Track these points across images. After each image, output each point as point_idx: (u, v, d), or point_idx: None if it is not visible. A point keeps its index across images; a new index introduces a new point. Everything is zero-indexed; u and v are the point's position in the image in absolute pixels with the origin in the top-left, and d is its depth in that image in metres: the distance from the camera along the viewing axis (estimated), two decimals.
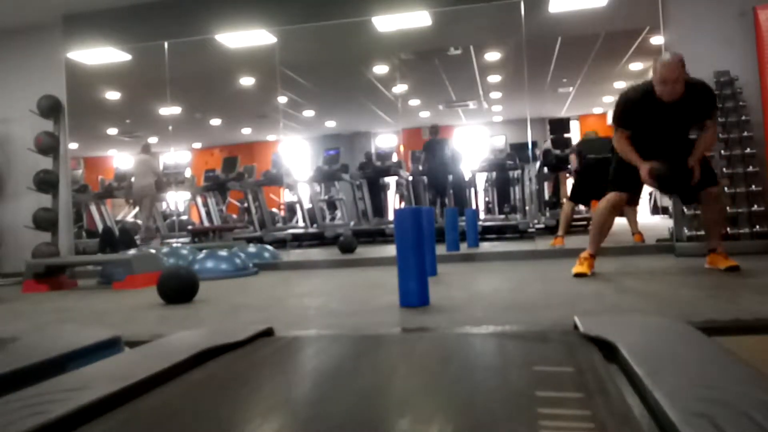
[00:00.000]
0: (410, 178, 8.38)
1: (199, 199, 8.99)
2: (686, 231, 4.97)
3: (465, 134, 10.84)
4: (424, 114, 10.69)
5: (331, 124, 11.13)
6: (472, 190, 9.01)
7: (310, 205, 9.14)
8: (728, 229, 4.87)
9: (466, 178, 8.64)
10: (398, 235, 2.70)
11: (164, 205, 9.36)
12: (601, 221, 3.66)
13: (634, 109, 3.39)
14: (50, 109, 6.49)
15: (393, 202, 8.99)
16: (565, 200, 5.49)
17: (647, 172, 3.31)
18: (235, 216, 9.88)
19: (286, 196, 10.37)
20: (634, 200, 3.98)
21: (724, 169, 4.97)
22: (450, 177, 8.13)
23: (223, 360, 1.31)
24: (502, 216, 8.40)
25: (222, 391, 1.08)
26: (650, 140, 3.41)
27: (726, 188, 4.96)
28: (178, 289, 3.33)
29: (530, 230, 7.14)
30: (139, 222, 8.14)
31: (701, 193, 3.50)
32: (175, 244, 6.88)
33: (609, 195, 3.57)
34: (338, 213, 9.69)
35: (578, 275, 3.58)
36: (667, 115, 3.30)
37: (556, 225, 7.56)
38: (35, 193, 6.39)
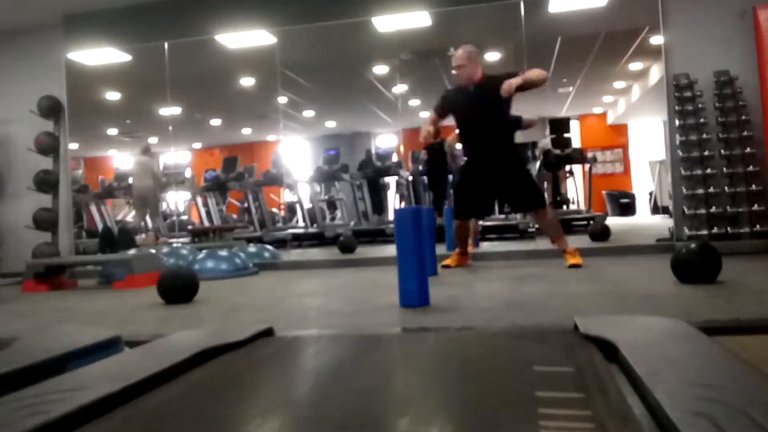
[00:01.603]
0: (410, 178, 8.38)
1: (199, 199, 8.99)
2: (686, 231, 4.97)
3: None
4: (424, 114, 10.67)
5: (331, 124, 11.13)
6: None
7: (310, 205, 9.14)
8: (728, 228, 4.89)
9: None
10: (398, 235, 2.70)
11: (164, 206, 9.36)
12: (457, 234, 4.33)
13: (447, 97, 4.13)
14: (50, 109, 6.49)
15: (393, 202, 8.99)
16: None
17: (425, 130, 4.03)
18: (235, 216, 9.88)
19: (286, 196, 10.37)
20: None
21: (725, 169, 4.98)
22: (450, 177, 8.12)
23: (223, 360, 1.31)
24: (502, 216, 8.39)
25: (222, 391, 1.08)
26: (466, 129, 4.05)
27: (726, 188, 4.97)
28: (179, 288, 3.33)
29: (530, 230, 7.14)
30: (141, 223, 8.13)
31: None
32: (175, 244, 6.89)
33: (455, 221, 4.23)
34: (338, 213, 9.69)
35: (445, 267, 4.22)
36: (473, 99, 3.89)
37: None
38: (35, 193, 6.39)
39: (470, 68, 3.81)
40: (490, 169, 3.97)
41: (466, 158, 4.16)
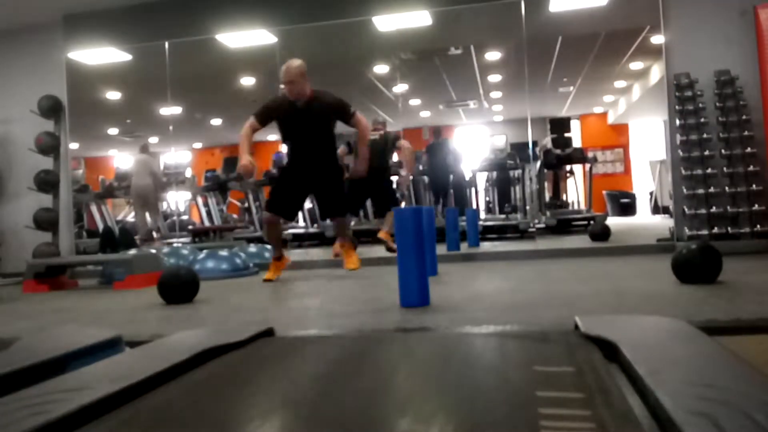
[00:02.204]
0: (411, 177, 8.37)
1: (199, 199, 8.98)
2: (687, 231, 4.97)
3: (465, 134, 10.84)
4: (425, 114, 10.68)
5: None
6: (473, 189, 9.01)
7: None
8: (729, 228, 4.88)
9: (467, 178, 8.63)
10: (398, 235, 2.70)
11: (165, 205, 9.36)
12: (270, 234, 4.35)
13: (271, 107, 4.06)
14: (51, 109, 6.49)
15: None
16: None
17: (243, 167, 3.88)
18: (235, 216, 9.88)
19: None
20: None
21: (725, 169, 4.98)
22: (451, 177, 8.13)
23: (223, 360, 1.31)
24: (503, 216, 8.39)
25: (222, 391, 1.08)
26: (292, 138, 4.09)
27: (726, 188, 4.97)
28: (179, 289, 3.33)
29: (531, 230, 7.14)
30: (139, 222, 8.13)
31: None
32: (175, 244, 6.89)
33: (264, 215, 4.28)
34: None
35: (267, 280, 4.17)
36: (300, 116, 3.95)
37: (557, 225, 7.58)
38: (36, 193, 6.39)
39: (300, 85, 3.87)
40: (309, 177, 4.09)
41: (288, 161, 4.25)
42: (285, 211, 4.24)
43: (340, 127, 4.24)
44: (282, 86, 3.94)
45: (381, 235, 5.64)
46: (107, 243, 6.90)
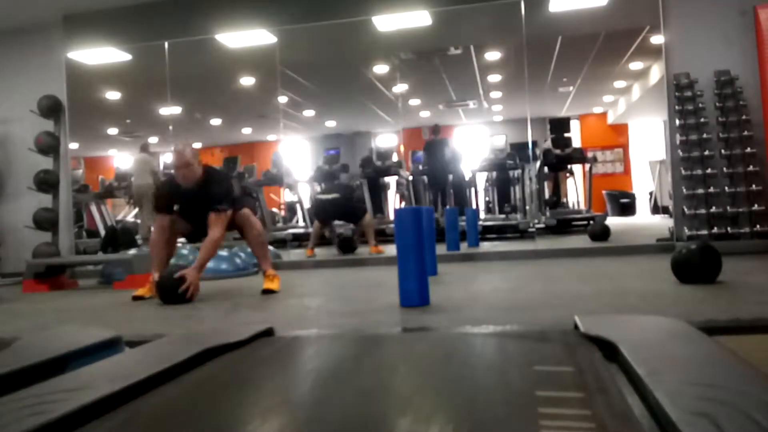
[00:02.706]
0: (410, 177, 8.38)
1: None
2: (686, 231, 4.97)
3: (465, 134, 10.84)
4: (425, 114, 10.68)
5: (331, 123, 11.13)
6: (473, 189, 9.01)
7: (310, 205, 9.14)
8: (728, 228, 4.88)
9: (467, 178, 8.63)
10: (398, 235, 2.70)
11: None
12: (152, 241, 3.77)
13: (168, 192, 3.75)
14: (50, 109, 6.49)
15: (393, 201, 8.98)
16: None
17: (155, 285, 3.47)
18: None
19: (287, 195, 10.37)
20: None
21: (725, 169, 4.98)
22: (450, 177, 8.13)
23: (223, 360, 1.31)
24: (503, 216, 8.38)
25: (222, 391, 1.08)
26: (189, 219, 3.71)
27: (726, 188, 4.97)
28: (174, 290, 3.30)
29: (530, 230, 7.14)
30: (139, 221, 8.13)
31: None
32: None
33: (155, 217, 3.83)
34: None
35: (137, 298, 3.62)
36: (190, 200, 3.63)
37: (557, 224, 7.59)
38: (35, 193, 6.39)
39: (192, 170, 3.56)
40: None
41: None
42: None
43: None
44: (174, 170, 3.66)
45: (372, 251, 5.93)
46: (110, 242, 6.88)
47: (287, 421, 0.95)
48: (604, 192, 10.78)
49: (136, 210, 8.77)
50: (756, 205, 4.87)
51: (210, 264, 4.91)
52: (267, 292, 3.57)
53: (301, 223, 9.61)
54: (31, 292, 4.58)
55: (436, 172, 7.98)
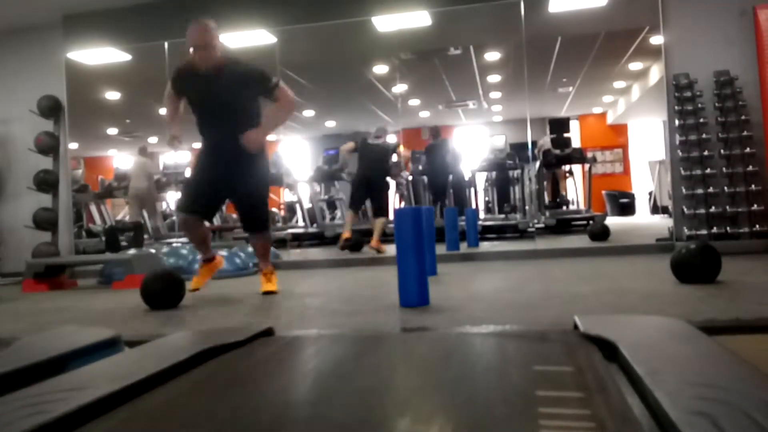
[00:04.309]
0: (410, 177, 8.38)
1: None
2: (686, 231, 4.97)
3: (465, 134, 10.84)
4: (424, 114, 10.68)
5: (331, 124, 11.13)
6: (472, 189, 9.01)
7: (310, 205, 9.14)
8: (728, 228, 4.89)
9: (466, 178, 8.64)
10: (398, 235, 2.70)
11: (164, 205, 9.36)
12: (193, 238, 3.48)
13: (179, 76, 3.37)
14: (50, 109, 6.49)
15: (393, 201, 8.98)
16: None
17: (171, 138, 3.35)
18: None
19: (286, 195, 10.37)
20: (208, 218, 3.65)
21: (724, 169, 4.98)
22: (450, 177, 8.13)
23: (223, 360, 1.31)
24: (502, 216, 8.39)
25: (222, 391, 1.08)
26: (201, 112, 3.35)
27: (725, 188, 4.97)
28: (162, 294, 3.22)
29: (530, 230, 7.14)
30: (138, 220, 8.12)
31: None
32: (175, 244, 6.88)
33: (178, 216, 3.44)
34: (338, 213, 9.68)
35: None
36: (209, 87, 3.23)
37: (556, 224, 7.60)
38: (35, 193, 6.39)
39: (212, 50, 3.17)
40: (226, 167, 3.28)
41: (202, 149, 3.47)
42: (201, 211, 3.36)
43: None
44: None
45: (372, 244, 5.88)
46: (112, 242, 6.87)
47: (287, 421, 0.95)
48: (603, 192, 10.79)
49: (127, 210, 8.75)
50: (755, 205, 4.87)
51: None
52: (267, 293, 3.52)
53: (300, 223, 9.62)
54: (31, 292, 4.59)
55: (435, 173, 7.98)
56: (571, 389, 0.98)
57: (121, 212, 9.47)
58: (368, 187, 6.12)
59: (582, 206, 8.79)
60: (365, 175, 6.13)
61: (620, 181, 11.31)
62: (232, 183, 3.31)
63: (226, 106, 3.24)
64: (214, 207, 3.51)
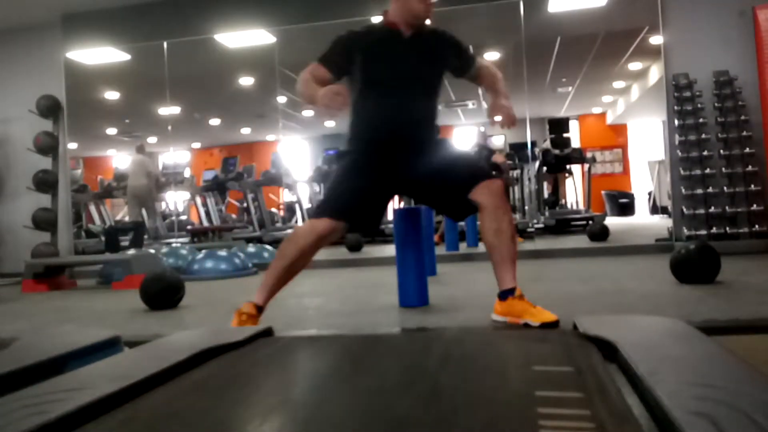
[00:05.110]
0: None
1: (198, 199, 8.98)
2: (685, 231, 4.97)
3: (464, 134, 10.83)
4: None
5: (330, 123, 11.13)
6: None
7: (310, 205, 9.14)
8: (727, 228, 4.88)
9: None
10: (398, 235, 2.70)
11: (163, 205, 9.36)
12: (289, 267, 2.38)
13: (356, 40, 2.43)
14: (49, 109, 6.48)
15: (392, 201, 8.97)
16: None
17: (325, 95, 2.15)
18: (234, 216, 9.87)
19: (286, 196, 10.37)
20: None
21: (724, 169, 4.98)
22: None
23: (223, 360, 1.31)
24: None
25: (222, 391, 1.08)
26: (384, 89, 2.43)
27: (725, 188, 4.96)
28: (160, 296, 3.24)
29: (529, 230, 7.14)
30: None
31: (476, 192, 2.31)
32: (174, 244, 6.88)
33: (314, 221, 2.31)
34: None
35: None
36: (408, 52, 2.45)
37: (556, 224, 7.59)
38: (34, 193, 6.39)
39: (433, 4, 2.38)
40: (405, 160, 2.41)
41: (366, 137, 2.49)
42: (361, 223, 2.37)
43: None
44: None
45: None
46: (112, 242, 6.86)
47: (286, 421, 0.95)
48: (603, 192, 10.79)
49: (126, 210, 8.74)
50: (755, 205, 4.88)
51: (209, 264, 4.93)
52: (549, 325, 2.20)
53: (300, 223, 9.62)
54: (30, 292, 4.58)
55: None
56: (571, 389, 0.98)
57: (121, 212, 9.47)
58: None
59: (581, 206, 8.80)
60: None
61: (620, 181, 11.32)
62: (410, 176, 2.41)
63: (420, 81, 2.49)
64: (380, 214, 2.44)
